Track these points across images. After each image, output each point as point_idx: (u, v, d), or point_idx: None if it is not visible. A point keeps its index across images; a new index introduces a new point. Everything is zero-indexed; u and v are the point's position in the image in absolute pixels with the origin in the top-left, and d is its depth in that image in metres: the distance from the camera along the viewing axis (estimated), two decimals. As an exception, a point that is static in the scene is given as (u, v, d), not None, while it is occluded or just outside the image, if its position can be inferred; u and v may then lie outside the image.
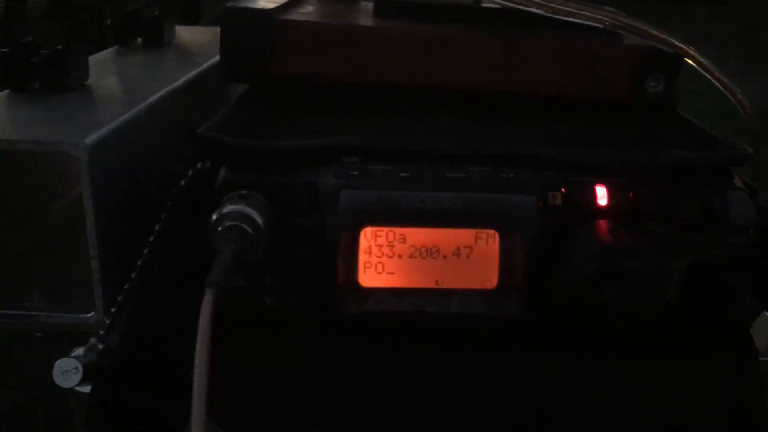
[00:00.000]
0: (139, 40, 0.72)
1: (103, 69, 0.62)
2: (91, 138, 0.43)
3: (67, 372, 0.45)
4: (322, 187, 0.42)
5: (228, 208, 0.40)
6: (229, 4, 0.55)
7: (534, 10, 0.56)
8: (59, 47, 0.52)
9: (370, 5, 0.61)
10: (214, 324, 0.39)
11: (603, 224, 0.41)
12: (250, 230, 0.40)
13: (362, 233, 0.42)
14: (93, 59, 0.65)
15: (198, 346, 0.34)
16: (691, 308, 0.43)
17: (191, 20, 0.97)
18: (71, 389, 0.46)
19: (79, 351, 0.47)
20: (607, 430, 0.43)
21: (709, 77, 0.55)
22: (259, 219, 0.40)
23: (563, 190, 0.43)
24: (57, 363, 0.45)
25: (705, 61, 0.54)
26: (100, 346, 0.46)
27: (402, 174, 0.43)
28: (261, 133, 0.46)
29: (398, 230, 0.43)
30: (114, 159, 0.46)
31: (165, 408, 0.46)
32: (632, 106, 0.55)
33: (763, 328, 0.49)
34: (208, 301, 0.35)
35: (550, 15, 0.56)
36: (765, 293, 0.45)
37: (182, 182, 0.47)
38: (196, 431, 0.32)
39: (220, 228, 0.40)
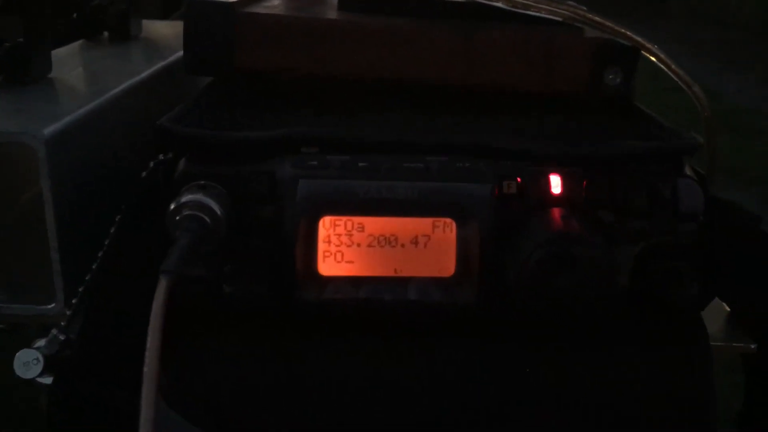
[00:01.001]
0: (106, 34, 0.72)
1: (68, 62, 0.62)
2: (50, 129, 0.43)
3: (28, 363, 0.45)
4: (280, 177, 0.43)
5: (186, 198, 0.41)
6: None
7: (495, 3, 0.57)
8: (20, 40, 0.52)
9: None
10: (168, 312, 0.40)
11: (555, 212, 0.42)
12: (208, 220, 0.40)
13: (321, 222, 0.43)
14: (58, 53, 0.65)
15: (150, 333, 0.34)
16: (641, 295, 0.44)
17: (169, 11, 0.97)
18: (33, 380, 0.46)
19: (41, 342, 0.47)
20: (560, 418, 0.44)
21: (666, 70, 0.56)
22: (217, 209, 0.41)
23: (518, 179, 0.43)
24: (18, 354, 0.45)
25: (662, 55, 0.55)
26: (62, 337, 0.46)
27: (360, 164, 0.43)
28: (220, 124, 0.46)
29: (356, 219, 0.43)
30: (74, 151, 0.46)
31: (126, 399, 0.47)
32: (591, 99, 0.56)
33: (716, 315, 0.51)
34: (161, 288, 0.35)
35: (510, 9, 0.56)
36: (714, 280, 0.46)
37: (143, 174, 0.48)
38: (145, 416, 0.33)
39: (177, 217, 0.40)
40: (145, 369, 0.33)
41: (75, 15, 0.70)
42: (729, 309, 0.51)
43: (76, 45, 0.69)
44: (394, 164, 0.44)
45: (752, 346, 0.48)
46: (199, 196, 0.41)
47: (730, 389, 0.51)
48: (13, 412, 1.19)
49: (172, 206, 0.41)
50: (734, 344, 0.48)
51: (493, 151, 0.44)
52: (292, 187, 0.43)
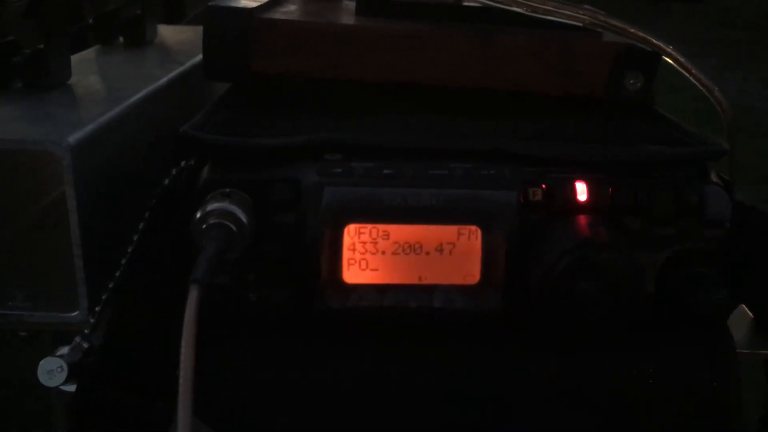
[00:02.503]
0: (121, 39, 0.72)
1: (85, 68, 0.61)
2: (74, 137, 0.43)
3: (52, 371, 0.45)
4: (304, 184, 0.43)
5: (212, 206, 0.41)
6: (210, 3, 0.55)
7: (514, 8, 0.57)
8: (40, 46, 0.52)
9: (353, 4, 0.62)
10: (198, 321, 0.40)
11: (581, 219, 0.42)
12: (234, 228, 0.40)
13: (346, 230, 0.43)
14: (75, 58, 0.64)
15: (183, 344, 0.34)
16: (667, 302, 0.44)
17: (173, 19, 0.97)
18: (56, 388, 0.46)
19: (64, 350, 0.47)
20: (586, 425, 0.44)
21: (687, 75, 0.56)
22: (242, 216, 0.41)
23: (543, 186, 0.43)
24: (41, 362, 0.45)
25: (682, 59, 0.55)
26: (85, 345, 0.46)
27: (384, 171, 0.43)
28: (243, 131, 0.46)
29: (381, 227, 0.43)
30: (97, 158, 0.46)
31: (149, 407, 0.47)
32: (611, 103, 0.56)
33: (741, 321, 0.50)
34: (192, 298, 0.35)
35: (529, 14, 0.56)
36: (740, 286, 0.46)
37: (165, 181, 0.48)
38: (182, 426, 0.32)
39: (204, 226, 0.40)
40: (181, 380, 0.33)
41: (90, 20, 0.70)
42: (753, 315, 0.50)
43: (91, 50, 0.69)
44: (419, 171, 0.43)
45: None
46: (224, 204, 0.41)
47: (754, 395, 0.51)
48: (27, 418, 1.19)
49: (198, 215, 0.40)
50: (759, 351, 0.48)
51: (518, 158, 0.44)
52: (317, 195, 0.42)
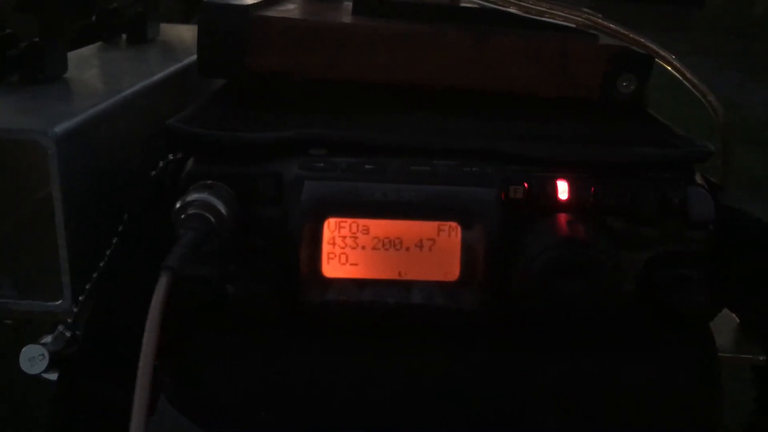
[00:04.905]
0: (124, 36, 0.73)
1: (85, 63, 0.62)
2: (61, 127, 0.43)
3: (34, 358, 0.45)
4: (286, 178, 0.43)
5: (192, 197, 0.41)
6: (207, 0, 0.56)
7: (510, 9, 0.57)
8: (36, 40, 0.53)
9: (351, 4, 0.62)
10: (174, 312, 0.40)
11: (561, 217, 0.42)
12: (212, 219, 0.40)
13: (326, 224, 0.43)
14: (76, 54, 0.65)
15: (147, 328, 0.34)
16: (649, 303, 0.43)
17: (191, 15, 0.97)
18: (38, 376, 0.46)
19: (47, 338, 0.47)
20: (564, 423, 0.43)
21: (682, 79, 0.55)
22: (222, 209, 0.41)
23: (525, 184, 0.43)
24: (24, 349, 0.45)
25: (677, 63, 0.55)
26: (68, 334, 0.47)
27: (366, 166, 0.43)
28: (230, 125, 0.46)
29: (361, 222, 0.43)
30: (85, 149, 0.46)
31: (129, 398, 0.47)
32: (604, 106, 0.56)
33: (726, 325, 0.50)
34: (162, 284, 0.35)
35: (525, 15, 0.56)
36: (724, 290, 0.46)
37: (153, 173, 0.48)
38: (138, 411, 0.33)
39: (183, 215, 0.40)
40: (141, 363, 0.33)
41: (94, 17, 0.71)
42: (739, 320, 0.50)
43: (94, 47, 0.70)
44: (401, 167, 0.44)
45: (761, 358, 0.47)
46: (204, 195, 0.41)
47: (742, 401, 0.51)
48: (19, 406, 1.20)
49: (178, 204, 0.41)
50: (743, 355, 0.48)
51: (501, 156, 0.44)
52: (298, 188, 0.43)
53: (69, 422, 0.47)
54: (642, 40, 0.55)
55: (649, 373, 0.44)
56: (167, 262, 0.36)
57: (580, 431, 0.44)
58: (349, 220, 0.43)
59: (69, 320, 0.46)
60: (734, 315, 0.50)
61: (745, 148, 3.01)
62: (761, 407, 0.50)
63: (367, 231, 0.43)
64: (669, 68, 0.55)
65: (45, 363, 0.45)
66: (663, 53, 0.55)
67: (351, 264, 0.44)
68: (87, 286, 0.47)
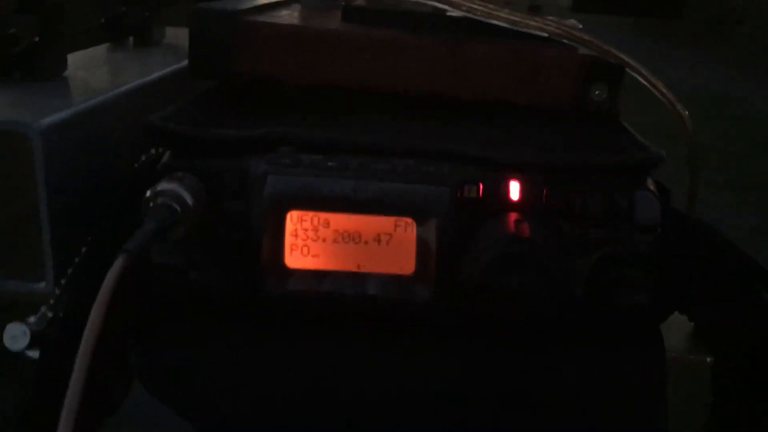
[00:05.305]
0: (131, 39, 0.76)
1: (87, 63, 0.66)
2: (46, 120, 0.47)
3: (16, 336, 0.48)
4: (252, 172, 0.45)
5: (161, 187, 0.44)
6: (197, 5, 0.59)
7: (487, 20, 0.59)
8: (36, 39, 0.56)
9: None
10: (146, 299, 0.43)
11: (511, 216, 0.44)
12: (178, 208, 0.43)
13: (288, 216, 0.45)
14: (81, 54, 0.69)
15: (95, 306, 0.37)
16: (596, 302, 0.45)
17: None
18: (21, 353, 0.49)
19: (32, 319, 0.50)
20: (508, 418, 0.45)
21: (651, 88, 0.57)
22: (189, 199, 0.44)
23: (480, 184, 0.45)
24: (7, 327, 0.48)
25: (646, 72, 0.57)
26: (50, 315, 0.50)
27: (329, 163, 0.46)
28: (206, 123, 0.49)
29: (322, 215, 0.45)
30: (71, 142, 0.49)
31: (106, 379, 0.50)
32: (576, 114, 0.57)
33: (680, 329, 0.51)
34: (117, 265, 0.38)
35: (500, 24, 0.58)
36: (673, 292, 0.47)
37: (134, 165, 0.51)
38: (73, 390, 0.35)
39: (151, 204, 0.43)
40: (84, 335, 0.36)
41: (102, 20, 0.75)
42: (690, 321, 0.51)
43: (100, 48, 0.73)
44: (363, 165, 0.46)
45: (708, 359, 0.49)
46: (172, 186, 0.44)
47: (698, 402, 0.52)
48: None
49: (148, 194, 0.44)
50: (692, 356, 0.49)
51: (457, 157, 0.46)
52: (263, 183, 0.45)
53: (48, 399, 0.50)
54: (613, 50, 0.56)
55: (595, 370, 0.46)
56: (127, 245, 0.39)
57: (524, 424, 0.45)
58: (311, 214, 0.45)
59: (51, 301, 0.50)
60: (687, 318, 0.51)
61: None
62: (713, 407, 0.51)
63: (327, 224, 0.46)
64: (639, 77, 0.57)
65: (26, 340, 0.48)
66: (633, 64, 0.56)
67: (312, 255, 0.46)
68: (69, 270, 0.50)
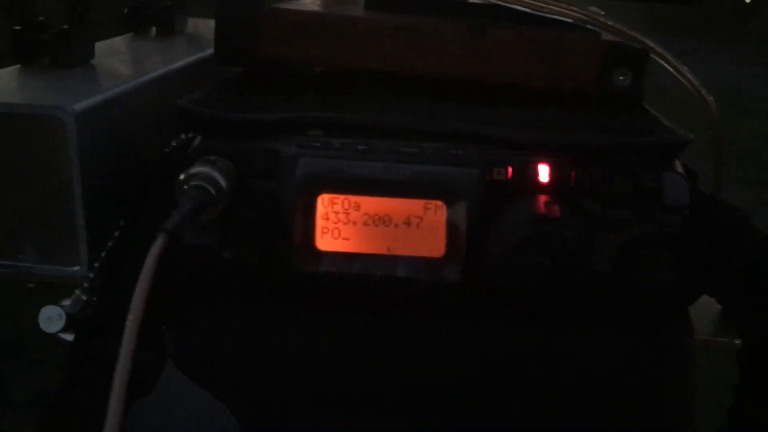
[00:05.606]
0: (154, 28, 0.77)
1: (113, 51, 0.66)
2: (80, 105, 0.47)
3: (51, 318, 0.49)
4: (283, 155, 0.46)
5: (195, 170, 0.44)
6: None
7: (510, 5, 0.59)
8: (65, 27, 0.57)
9: None
10: (176, 278, 0.43)
11: (540, 198, 0.44)
12: (212, 190, 0.44)
13: (319, 199, 0.46)
14: (107, 43, 0.70)
15: (139, 284, 0.37)
16: (624, 283, 0.45)
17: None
18: (56, 335, 0.50)
19: (66, 302, 0.51)
20: (536, 396, 0.46)
21: (676, 74, 0.57)
22: (222, 181, 0.44)
23: (508, 166, 0.46)
24: (42, 310, 0.49)
25: (671, 58, 0.57)
26: (84, 298, 0.50)
27: (359, 146, 0.46)
28: (236, 107, 0.50)
29: (353, 198, 0.46)
30: (103, 126, 0.50)
31: (139, 358, 0.50)
32: (601, 98, 0.58)
33: (708, 311, 0.52)
34: (157, 244, 0.39)
35: (526, 10, 0.59)
36: (702, 275, 0.47)
37: (165, 150, 0.52)
38: (121, 367, 0.35)
39: (185, 186, 0.44)
40: (130, 315, 0.36)
41: (126, 10, 0.75)
42: (719, 305, 0.52)
43: (125, 37, 0.74)
44: (392, 147, 0.46)
45: (736, 342, 0.49)
46: (206, 169, 0.44)
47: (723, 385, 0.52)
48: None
49: (182, 176, 0.44)
50: (720, 339, 0.50)
51: (486, 140, 0.47)
52: (294, 165, 0.46)
53: (83, 379, 0.50)
54: (638, 35, 0.57)
55: (624, 352, 0.46)
56: (165, 225, 0.40)
57: (554, 405, 0.46)
58: (342, 197, 0.46)
59: (85, 285, 0.50)
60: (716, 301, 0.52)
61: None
62: (740, 389, 0.51)
63: (358, 207, 0.46)
64: (664, 63, 0.57)
65: (62, 323, 0.49)
66: (658, 49, 0.57)
67: (343, 238, 0.46)
68: (102, 254, 0.50)
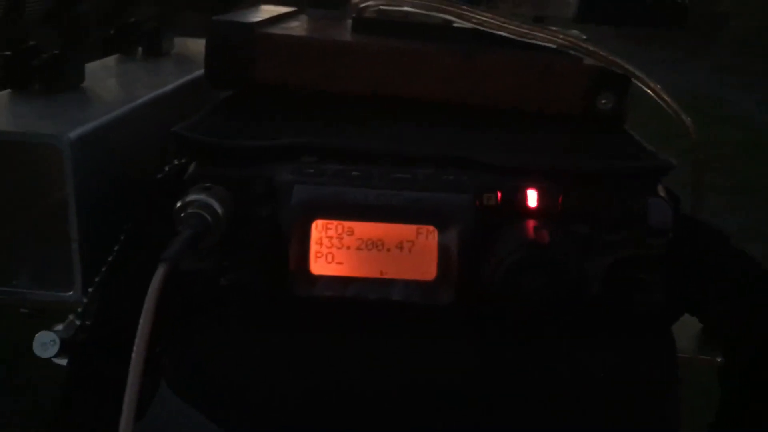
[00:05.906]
0: (140, 49, 0.77)
1: (102, 74, 0.67)
2: (75, 132, 0.48)
3: (46, 344, 0.49)
4: (278, 181, 0.47)
5: (192, 197, 0.45)
6: (214, 17, 0.60)
7: (497, 32, 0.61)
8: (56, 51, 0.57)
9: None
10: (173, 304, 0.44)
11: (530, 223, 0.46)
12: (209, 218, 0.44)
13: (314, 225, 0.47)
14: (95, 65, 0.70)
15: (143, 315, 0.38)
16: (611, 303, 0.47)
17: (226, 7, 1.00)
18: (50, 360, 0.50)
19: (60, 326, 0.51)
20: (526, 417, 0.47)
21: (656, 98, 0.59)
22: (218, 208, 0.45)
23: (498, 192, 0.47)
24: (37, 335, 0.50)
25: (651, 83, 0.59)
26: (78, 323, 0.51)
27: (353, 173, 0.47)
28: (230, 133, 0.50)
29: (347, 224, 0.47)
30: (98, 153, 0.51)
31: None
32: (584, 122, 0.59)
33: (690, 330, 0.53)
34: (159, 274, 0.39)
35: (512, 36, 0.60)
36: (685, 295, 0.49)
37: (159, 176, 0.52)
38: (130, 392, 0.36)
39: (182, 214, 0.44)
40: (135, 345, 0.37)
41: (112, 31, 0.76)
42: (700, 323, 0.53)
43: (112, 58, 0.74)
44: (385, 174, 0.47)
45: (718, 359, 0.51)
46: (202, 197, 0.45)
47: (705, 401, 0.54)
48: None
49: (179, 204, 0.45)
50: (702, 356, 0.51)
51: (476, 165, 0.48)
52: (289, 192, 0.47)
53: (79, 403, 0.51)
54: (619, 61, 0.58)
55: (610, 370, 0.47)
56: (165, 254, 0.40)
57: (539, 423, 0.47)
58: (336, 222, 0.47)
59: (79, 310, 0.51)
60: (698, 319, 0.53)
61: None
62: (721, 406, 0.53)
63: (351, 232, 0.47)
64: (644, 88, 0.59)
65: (56, 348, 0.49)
66: (639, 74, 0.58)
67: (337, 263, 0.47)
68: (96, 279, 0.51)
